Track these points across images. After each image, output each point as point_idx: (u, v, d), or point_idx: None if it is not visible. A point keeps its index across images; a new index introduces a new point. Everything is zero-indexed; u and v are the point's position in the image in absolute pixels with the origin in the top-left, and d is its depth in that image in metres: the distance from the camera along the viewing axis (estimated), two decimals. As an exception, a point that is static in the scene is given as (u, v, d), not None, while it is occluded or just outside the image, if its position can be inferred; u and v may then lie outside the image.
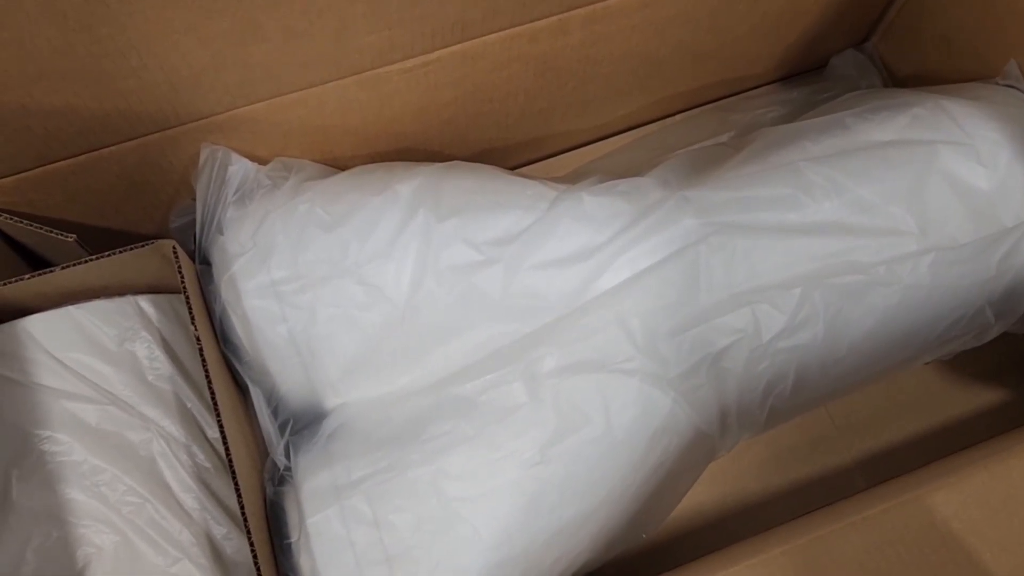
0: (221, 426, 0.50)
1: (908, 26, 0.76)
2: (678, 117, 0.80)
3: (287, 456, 0.56)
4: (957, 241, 0.59)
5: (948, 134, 0.61)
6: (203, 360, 0.51)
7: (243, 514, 0.47)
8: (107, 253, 0.54)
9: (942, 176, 0.60)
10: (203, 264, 0.59)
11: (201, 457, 0.55)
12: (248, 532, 0.47)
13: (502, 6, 0.57)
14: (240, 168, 0.60)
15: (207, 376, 0.51)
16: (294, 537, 0.53)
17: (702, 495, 0.68)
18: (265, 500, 0.55)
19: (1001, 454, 0.51)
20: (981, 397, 0.72)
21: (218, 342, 0.57)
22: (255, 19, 0.49)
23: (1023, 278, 0.61)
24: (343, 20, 0.52)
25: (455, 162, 0.63)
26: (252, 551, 0.47)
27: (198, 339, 0.51)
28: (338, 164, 0.65)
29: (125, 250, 0.54)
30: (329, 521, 0.52)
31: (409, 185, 0.59)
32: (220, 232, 0.58)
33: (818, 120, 0.64)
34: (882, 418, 0.71)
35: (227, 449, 0.50)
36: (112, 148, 0.55)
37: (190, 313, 0.52)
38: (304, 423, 0.58)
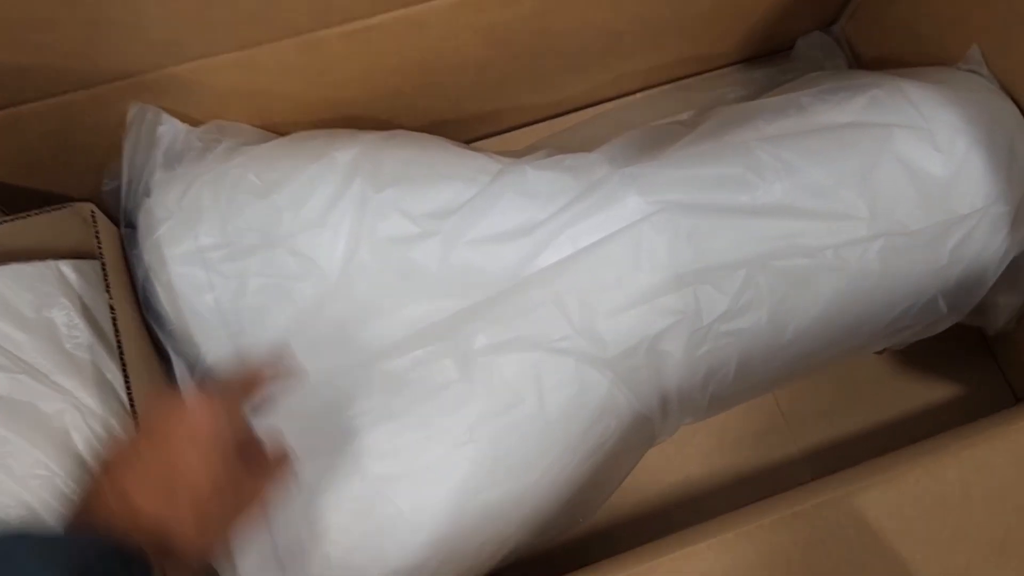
0: (131, 400, 0.48)
1: (875, 9, 0.74)
2: (639, 95, 0.78)
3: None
4: (908, 228, 0.57)
5: (905, 117, 0.59)
6: (115, 329, 0.49)
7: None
8: (22, 215, 0.52)
9: (896, 160, 0.58)
10: (128, 227, 0.57)
11: (119, 429, 0.53)
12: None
13: (447, -30, 0.55)
14: (170, 128, 0.57)
15: (119, 346, 0.49)
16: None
17: (645, 482, 0.66)
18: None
19: (937, 452, 0.49)
20: (934, 390, 0.71)
21: (140, 309, 0.55)
22: (177, -28, 0.47)
23: (977, 268, 0.60)
24: (274, -23, 0.50)
25: (398, 131, 0.61)
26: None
27: (112, 307, 0.49)
28: (278, 131, 0.63)
29: (42, 212, 0.52)
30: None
31: (347, 153, 0.57)
32: (147, 195, 0.56)
33: (774, 99, 0.63)
34: (832, 409, 0.70)
35: (137, 424, 0.48)
36: (32, 105, 0.53)
37: (105, 280, 0.50)
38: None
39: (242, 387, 0.44)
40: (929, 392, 0.71)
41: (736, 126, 0.61)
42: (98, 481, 0.38)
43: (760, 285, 0.55)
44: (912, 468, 0.50)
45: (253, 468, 0.43)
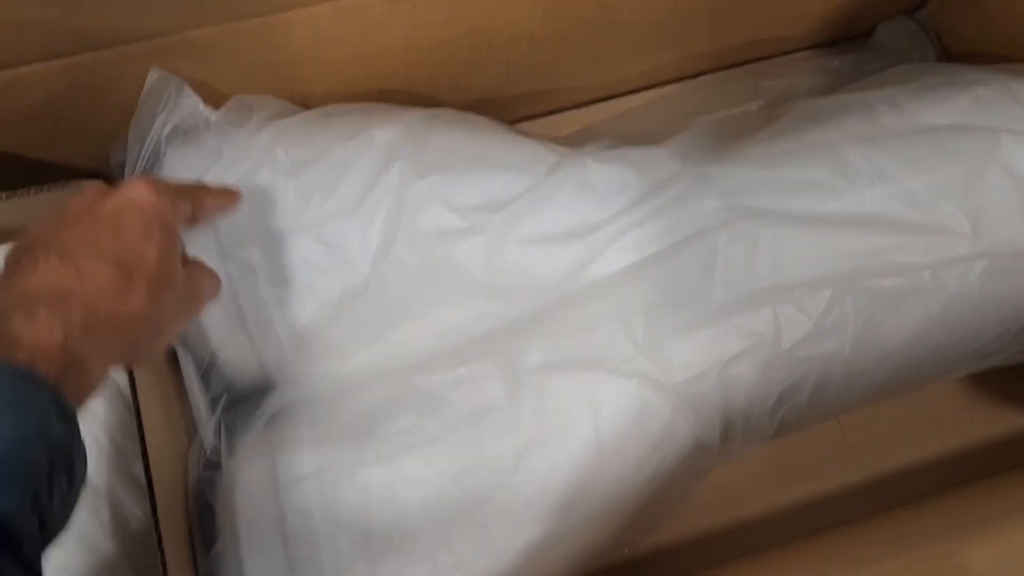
0: (136, 405, 0.42)
1: (973, -7, 0.67)
2: (702, 79, 0.71)
3: (218, 436, 0.49)
4: (1014, 246, 0.51)
5: (1014, 121, 0.52)
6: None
7: (154, 516, 0.40)
8: (23, 191, 0.46)
9: (1003, 170, 0.51)
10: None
11: (125, 438, 0.48)
12: (159, 537, 0.40)
13: (509, -68, 0.48)
14: (191, 103, 0.51)
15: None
16: (221, 538, 0.45)
17: (695, 509, 0.61)
18: (187, 490, 0.47)
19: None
20: (1011, 420, 0.65)
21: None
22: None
23: (1081, 292, 0.54)
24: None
25: (444, 109, 0.55)
26: (160, 553, 0.40)
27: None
28: (308, 104, 0.57)
29: (42, 189, 0.46)
30: (265, 525, 0.45)
31: (388, 132, 0.51)
32: (160, 169, 0.50)
33: (865, 95, 0.56)
34: (899, 436, 0.64)
35: (140, 424, 0.42)
36: (34, 66, 0.47)
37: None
38: (241, 396, 0.51)
39: (180, 190, 0.41)
40: (1006, 420, 0.65)
41: (822, 123, 0.54)
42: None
43: (847, 306, 0.49)
44: (1017, 523, 0.44)
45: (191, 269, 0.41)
